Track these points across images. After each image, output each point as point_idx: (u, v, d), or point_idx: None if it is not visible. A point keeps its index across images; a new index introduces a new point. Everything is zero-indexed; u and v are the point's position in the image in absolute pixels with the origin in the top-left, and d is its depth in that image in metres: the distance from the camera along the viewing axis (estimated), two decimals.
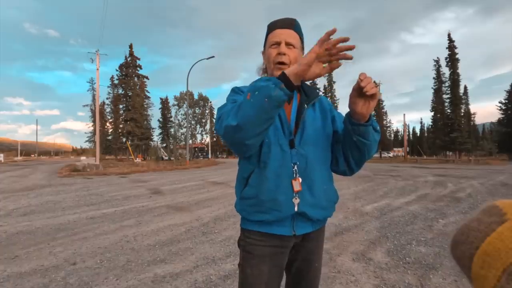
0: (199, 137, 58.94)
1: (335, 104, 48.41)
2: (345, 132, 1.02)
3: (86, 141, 56.71)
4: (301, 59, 0.84)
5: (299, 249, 1.10)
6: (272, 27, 1.07)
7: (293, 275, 1.14)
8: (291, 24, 1.07)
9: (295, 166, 1.01)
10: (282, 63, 1.03)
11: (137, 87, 43.18)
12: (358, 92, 0.88)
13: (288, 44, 1.04)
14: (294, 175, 1.01)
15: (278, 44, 1.04)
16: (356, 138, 0.97)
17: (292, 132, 1.04)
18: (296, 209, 1.00)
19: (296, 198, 1.00)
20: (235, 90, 1.08)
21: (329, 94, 48.49)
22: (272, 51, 1.05)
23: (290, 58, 1.04)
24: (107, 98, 49.94)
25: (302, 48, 1.11)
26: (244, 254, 1.07)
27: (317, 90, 1.19)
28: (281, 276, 1.10)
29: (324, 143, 1.10)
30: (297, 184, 1.00)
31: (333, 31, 0.82)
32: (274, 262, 1.05)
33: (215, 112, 67.29)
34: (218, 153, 70.14)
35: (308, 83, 1.21)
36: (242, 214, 1.08)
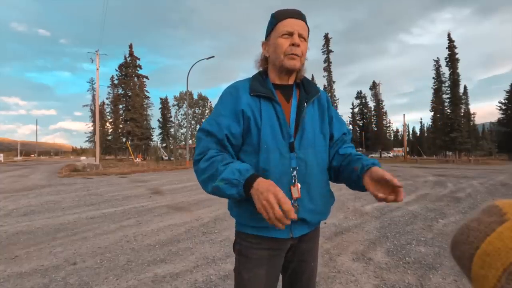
0: None
1: (335, 104, 48.46)
2: (348, 173, 1.02)
3: (86, 141, 56.80)
4: (269, 193, 0.79)
5: (296, 250, 1.07)
6: (282, 16, 0.99)
7: (290, 276, 1.11)
8: (303, 16, 1.01)
9: (294, 171, 0.98)
10: (295, 54, 0.98)
11: (137, 87, 43.17)
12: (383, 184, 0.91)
13: (300, 36, 0.98)
14: (293, 181, 0.97)
15: (290, 34, 0.97)
16: (356, 184, 1.01)
17: (291, 135, 0.99)
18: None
19: (295, 206, 0.97)
20: (224, 100, 1.03)
21: (329, 94, 48.56)
22: (284, 41, 0.98)
23: (302, 51, 0.99)
24: (107, 98, 50.07)
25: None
26: (240, 258, 1.03)
27: (317, 86, 1.13)
28: (277, 279, 1.07)
29: (322, 144, 1.06)
30: (295, 191, 0.97)
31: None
32: (271, 265, 1.02)
33: None
34: None
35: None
36: (238, 220, 1.04)
